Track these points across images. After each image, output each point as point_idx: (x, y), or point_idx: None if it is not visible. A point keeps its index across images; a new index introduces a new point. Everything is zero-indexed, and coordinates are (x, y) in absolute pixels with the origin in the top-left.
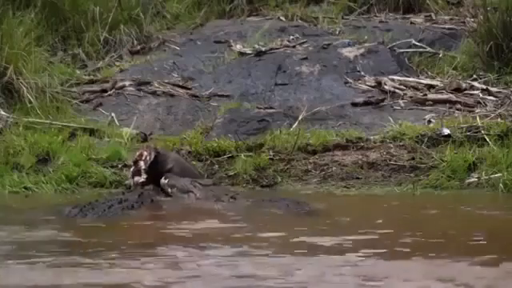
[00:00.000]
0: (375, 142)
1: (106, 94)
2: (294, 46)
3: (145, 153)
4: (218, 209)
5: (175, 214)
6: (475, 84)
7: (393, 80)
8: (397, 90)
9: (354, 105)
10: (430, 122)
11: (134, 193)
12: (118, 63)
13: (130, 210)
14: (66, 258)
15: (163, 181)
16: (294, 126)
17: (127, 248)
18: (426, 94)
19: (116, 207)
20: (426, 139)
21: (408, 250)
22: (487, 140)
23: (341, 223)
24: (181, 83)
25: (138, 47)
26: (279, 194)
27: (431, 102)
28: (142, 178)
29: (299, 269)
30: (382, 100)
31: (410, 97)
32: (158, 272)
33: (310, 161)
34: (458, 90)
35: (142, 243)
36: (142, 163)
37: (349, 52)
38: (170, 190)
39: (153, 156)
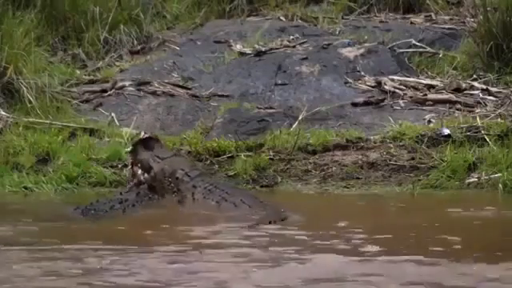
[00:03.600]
0: (375, 142)
1: (106, 94)
2: (294, 46)
3: None
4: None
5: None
6: (475, 84)
7: (393, 80)
8: (397, 90)
9: (354, 105)
10: (430, 121)
11: (131, 192)
12: (118, 63)
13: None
14: None
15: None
16: (293, 126)
17: None
18: (426, 94)
19: (117, 207)
20: (425, 139)
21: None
22: (487, 140)
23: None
24: (181, 83)
25: (138, 47)
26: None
27: (431, 102)
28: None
29: None
30: (382, 100)
31: (410, 97)
32: None
33: (310, 161)
34: (458, 89)
35: None
36: None
37: (349, 52)
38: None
39: None
